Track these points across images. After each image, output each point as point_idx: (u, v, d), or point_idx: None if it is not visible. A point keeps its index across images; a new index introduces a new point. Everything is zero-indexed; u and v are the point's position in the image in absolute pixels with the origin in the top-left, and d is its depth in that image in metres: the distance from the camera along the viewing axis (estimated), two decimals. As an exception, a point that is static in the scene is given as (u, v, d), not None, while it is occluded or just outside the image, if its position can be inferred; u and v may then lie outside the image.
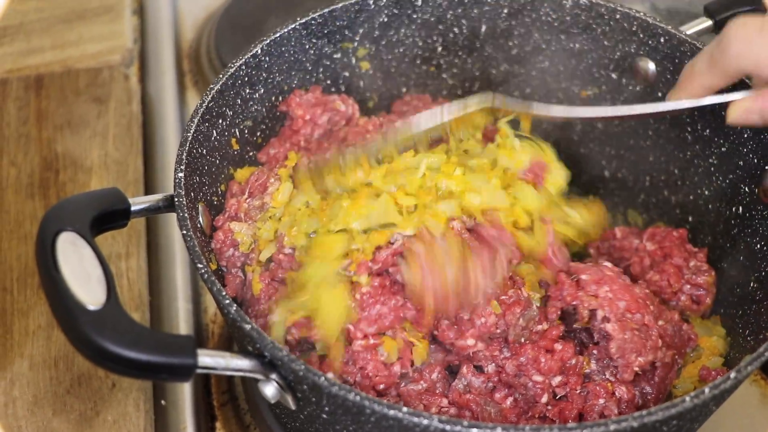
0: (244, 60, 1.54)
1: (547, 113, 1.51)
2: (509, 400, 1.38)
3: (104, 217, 1.27)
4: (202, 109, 1.44)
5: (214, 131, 1.49)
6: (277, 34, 1.59)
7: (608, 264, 1.47)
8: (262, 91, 1.60)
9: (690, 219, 1.66)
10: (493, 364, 1.39)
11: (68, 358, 1.59)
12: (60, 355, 1.60)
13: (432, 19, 1.72)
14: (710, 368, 1.43)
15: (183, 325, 1.67)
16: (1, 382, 1.57)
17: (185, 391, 1.59)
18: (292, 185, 1.49)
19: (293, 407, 1.22)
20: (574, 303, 1.38)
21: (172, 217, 1.74)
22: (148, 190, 1.90)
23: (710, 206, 1.62)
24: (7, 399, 1.55)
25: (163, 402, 1.58)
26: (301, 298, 1.35)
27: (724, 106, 1.50)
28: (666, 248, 1.60)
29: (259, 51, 1.56)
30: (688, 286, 1.55)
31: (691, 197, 1.65)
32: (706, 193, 1.62)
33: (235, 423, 1.58)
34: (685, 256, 1.59)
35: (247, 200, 1.50)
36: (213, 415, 1.60)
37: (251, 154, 1.61)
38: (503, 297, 1.38)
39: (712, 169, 1.60)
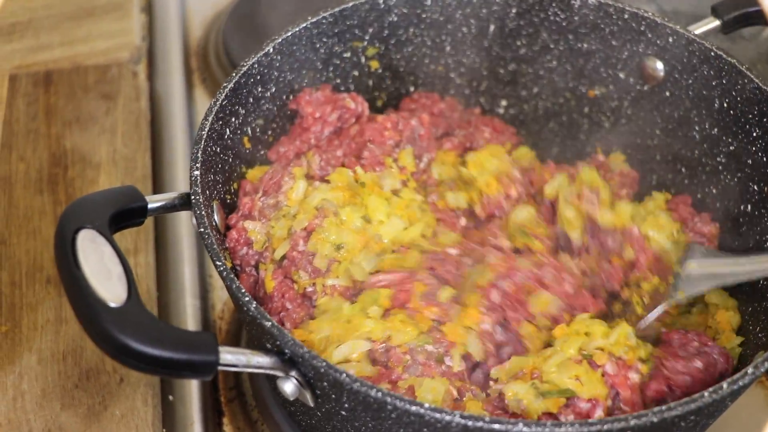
0: (256, 59, 1.55)
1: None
2: None
3: (122, 214, 1.28)
4: (216, 108, 1.45)
5: (227, 129, 1.50)
6: (289, 33, 1.60)
7: None
8: (274, 89, 1.60)
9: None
10: None
11: (76, 352, 1.60)
12: (68, 349, 1.61)
13: (441, 18, 1.73)
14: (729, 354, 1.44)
15: (191, 321, 1.67)
16: (9, 376, 1.58)
17: (193, 386, 1.59)
18: (306, 183, 1.50)
19: (311, 404, 1.23)
20: None
21: (180, 214, 1.77)
22: (157, 186, 1.90)
23: (718, 204, 1.63)
24: (16, 393, 1.56)
25: (170, 397, 1.59)
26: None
27: (733, 106, 1.53)
28: (671, 204, 1.67)
29: (271, 50, 1.57)
30: (691, 233, 1.59)
31: (699, 196, 1.66)
32: (714, 191, 1.63)
33: (243, 419, 1.59)
34: (691, 212, 1.64)
35: (261, 198, 1.52)
36: (220, 410, 1.60)
37: (262, 152, 1.62)
38: None
39: (720, 167, 1.62)
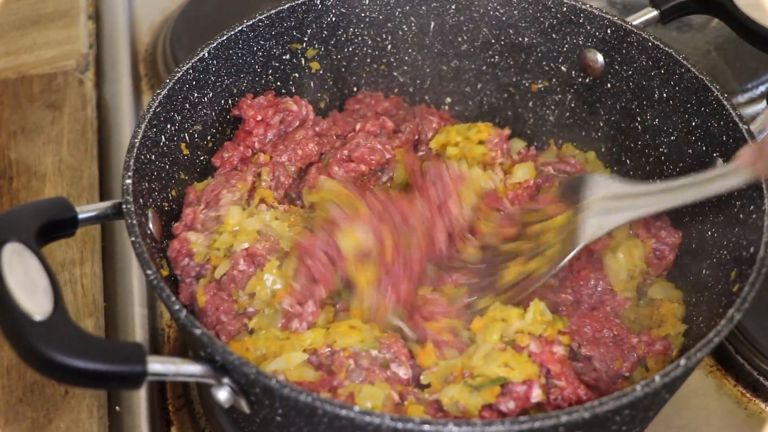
0: (191, 64, 1.54)
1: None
2: None
3: (51, 226, 1.27)
4: (149, 115, 1.44)
5: (163, 136, 1.49)
6: (224, 37, 1.59)
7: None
8: (211, 94, 1.59)
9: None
10: None
11: (20, 366, 1.58)
12: (12, 363, 1.59)
13: (380, 17, 1.72)
14: (671, 342, 1.45)
15: (138, 331, 1.66)
16: (-48, 393, 1.56)
17: (140, 396, 1.58)
18: (242, 208, 1.51)
19: (248, 411, 1.22)
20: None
21: (127, 222, 1.75)
22: (104, 196, 1.89)
23: (662, 195, 1.63)
24: (-41, 409, 1.54)
25: (117, 408, 1.57)
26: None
27: (672, 96, 1.53)
28: None
29: (206, 54, 1.56)
30: (654, 240, 1.57)
31: (644, 187, 1.66)
32: (658, 182, 1.63)
33: (191, 427, 1.57)
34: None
35: (204, 211, 1.51)
36: (168, 419, 1.59)
37: (203, 158, 1.61)
38: None
39: (663, 158, 1.62)
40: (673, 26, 1.73)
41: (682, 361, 1.18)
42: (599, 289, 1.52)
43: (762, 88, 2.06)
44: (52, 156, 1.90)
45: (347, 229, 1.44)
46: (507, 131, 1.68)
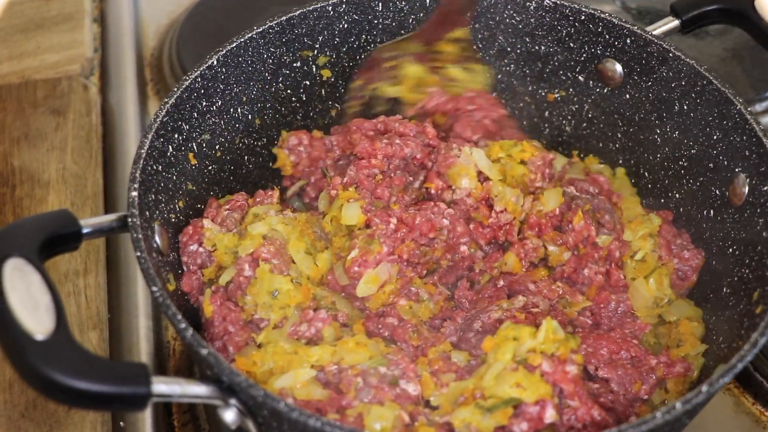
0: (199, 72, 1.50)
1: None
2: None
3: (54, 240, 1.23)
4: (156, 125, 1.41)
5: (170, 146, 1.45)
6: (233, 44, 1.55)
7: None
8: (220, 103, 1.56)
9: (661, 223, 1.64)
10: None
11: (23, 381, 1.54)
12: (14, 378, 1.55)
13: (393, 24, 1.68)
14: (691, 363, 1.42)
15: (143, 343, 1.63)
16: (-47, 408, 1.53)
17: (145, 411, 1.54)
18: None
19: (255, 432, 1.19)
20: None
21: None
22: (108, 204, 1.85)
23: (681, 209, 1.59)
24: (-40, 425, 1.51)
25: (121, 423, 1.54)
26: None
27: (693, 108, 1.49)
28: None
29: (215, 62, 1.53)
30: (676, 260, 1.53)
31: (663, 200, 1.63)
32: (677, 196, 1.60)
33: (197, 444, 1.55)
34: (673, 232, 1.58)
35: (227, 210, 1.51)
36: (174, 436, 1.56)
37: (211, 168, 1.57)
38: None
39: (683, 172, 1.58)
40: (692, 34, 1.70)
41: (704, 388, 1.15)
42: (619, 311, 1.48)
43: (781, 98, 2.03)
44: (56, 163, 1.86)
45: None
46: (551, 155, 1.61)
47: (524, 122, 1.77)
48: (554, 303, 1.48)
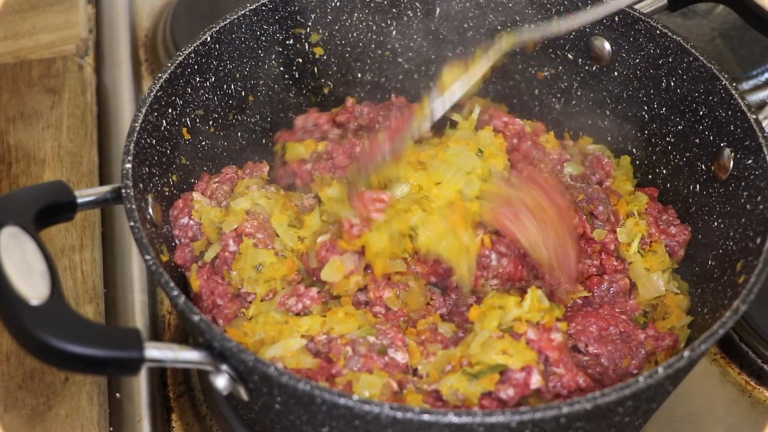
0: (193, 48, 1.52)
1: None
2: None
3: (49, 210, 1.25)
4: (150, 99, 1.42)
5: (164, 121, 1.47)
6: (227, 21, 1.57)
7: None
8: (213, 79, 1.57)
9: (649, 198, 1.66)
10: None
11: (20, 353, 1.57)
12: (11, 350, 1.57)
13: (385, 2, 1.70)
14: (678, 335, 1.44)
15: (139, 317, 1.65)
16: (-49, 379, 1.55)
17: (141, 382, 1.57)
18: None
19: (246, 398, 1.21)
20: None
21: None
22: (103, 181, 1.87)
23: (668, 185, 1.61)
24: (-42, 396, 1.53)
25: (117, 395, 1.56)
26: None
27: (679, 85, 1.51)
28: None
29: (209, 38, 1.54)
30: (663, 236, 1.55)
31: (650, 176, 1.65)
32: (664, 172, 1.62)
33: (192, 414, 1.56)
34: (659, 208, 1.60)
35: (217, 183, 1.54)
36: (169, 406, 1.58)
37: (204, 143, 1.59)
38: None
39: (670, 147, 1.60)
40: (677, 12, 1.71)
41: (686, 353, 1.17)
42: (611, 291, 1.50)
43: (767, 75, 2.04)
44: (52, 141, 1.88)
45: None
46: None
47: (514, 100, 1.79)
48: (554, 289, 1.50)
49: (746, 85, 2.01)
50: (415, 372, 1.35)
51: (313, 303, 1.41)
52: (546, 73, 1.73)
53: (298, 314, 1.40)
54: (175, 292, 1.20)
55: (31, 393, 1.53)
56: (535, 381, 1.26)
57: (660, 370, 1.14)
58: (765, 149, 1.38)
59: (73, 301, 1.64)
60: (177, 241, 1.49)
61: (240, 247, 1.44)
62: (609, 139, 1.70)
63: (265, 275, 1.42)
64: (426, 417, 1.08)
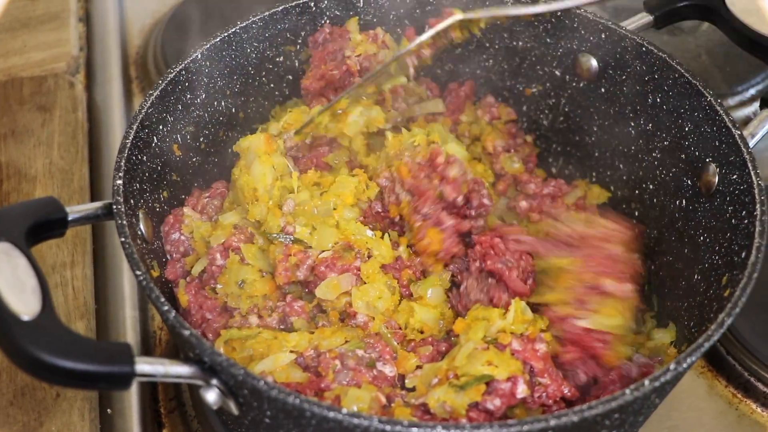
0: (183, 65, 1.53)
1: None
2: None
3: (40, 226, 1.26)
4: (140, 116, 1.43)
5: (155, 137, 1.48)
6: (217, 39, 1.58)
7: None
8: (204, 96, 1.59)
9: (636, 213, 1.67)
10: None
11: (11, 369, 1.57)
12: (3, 366, 1.58)
13: (374, 20, 1.71)
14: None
15: (130, 333, 1.65)
16: (-58, 396, 1.55)
17: (132, 398, 1.57)
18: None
19: (236, 412, 1.21)
20: None
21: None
22: (95, 198, 1.88)
23: (655, 200, 1.63)
24: (-51, 412, 1.53)
25: (109, 410, 1.56)
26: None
27: (665, 101, 1.52)
28: None
29: (199, 56, 1.56)
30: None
31: (637, 192, 1.66)
32: (651, 187, 1.63)
33: (183, 429, 1.57)
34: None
35: (207, 198, 1.55)
36: (160, 422, 1.58)
37: (195, 159, 1.60)
38: None
39: (656, 163, 1.61)
40: (663, 30, 1.73)
41: (672, 366, 1.18)
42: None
43: (752, 91, 2.07)
44: (43, 158, 1.89)
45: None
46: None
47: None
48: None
49: (731, 101, 2.04)
50: (403, 386, 1.36)
51: (297, 316, 1.42)
52: (534, 90, 1.75)
53: (283, 329, 1.41)
54: (166, 307, 1.21)
55: (22, 409, 1.54)
56: (521, 390, 1.27)
57: (646, 383, 1.15)
58: (749, 164, 1.40)
59: (65, 317, 1.64)
60: (168, 257, 1.50)
61: (227, 261, 1.45)
62: (596, 154, 1.72)
63: (246, 292, 1.44)
64: (414, 430, 1.08)
